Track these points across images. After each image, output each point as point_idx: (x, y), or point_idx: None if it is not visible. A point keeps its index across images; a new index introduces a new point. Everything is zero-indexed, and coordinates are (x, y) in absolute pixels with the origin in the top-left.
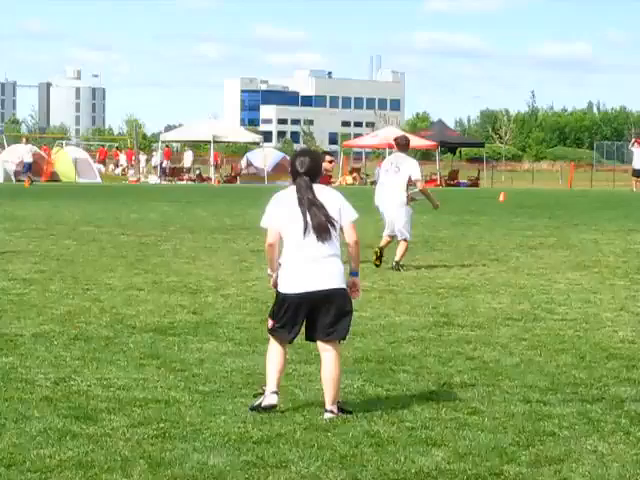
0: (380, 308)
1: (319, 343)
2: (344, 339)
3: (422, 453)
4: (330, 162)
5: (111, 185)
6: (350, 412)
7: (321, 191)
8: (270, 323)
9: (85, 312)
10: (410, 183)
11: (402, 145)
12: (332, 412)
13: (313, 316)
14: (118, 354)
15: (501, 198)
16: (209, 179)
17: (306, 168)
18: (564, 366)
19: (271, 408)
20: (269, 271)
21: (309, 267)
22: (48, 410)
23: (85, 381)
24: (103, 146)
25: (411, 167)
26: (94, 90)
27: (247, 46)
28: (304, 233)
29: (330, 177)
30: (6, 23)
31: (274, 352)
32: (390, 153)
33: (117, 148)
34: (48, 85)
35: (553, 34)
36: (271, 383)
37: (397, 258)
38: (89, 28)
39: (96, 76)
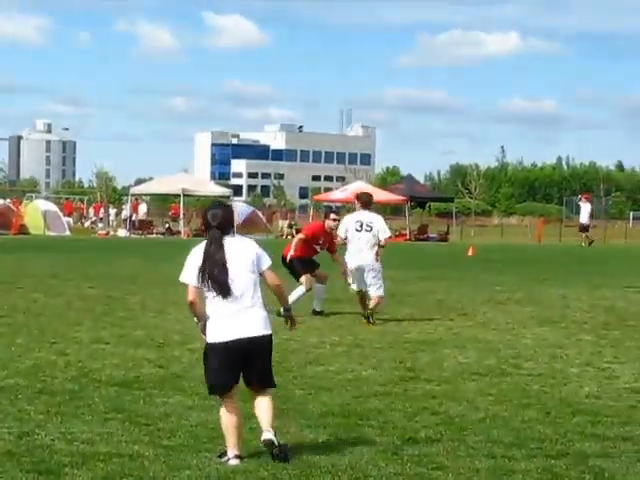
0: (347, 362)
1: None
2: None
3: None
4: (334, 220)
5: (80, 238)
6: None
7: (236, 243)
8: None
9: (51, 366)
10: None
11: (366, 202)
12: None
13: (246, 363)
14: (83, 408)
15: (470, 252)
16: (178, 232)
17: (218, 221)
18: (529, 421)
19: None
20: (196, 320)
21: (231, 318)
22: (10, 464)
23: (49, 435)
24: (68, 199)
25: (382, 226)
26: (64, 143)
27: (217, 100)
28: (222, 281)
29: (334, 235)
30: None
31: (226, 413)
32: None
33: (81, 201)
34: (19, 138)
35: (521, 90)
36: (232, 447)
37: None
38: (59, 82)
39: (66, 129)
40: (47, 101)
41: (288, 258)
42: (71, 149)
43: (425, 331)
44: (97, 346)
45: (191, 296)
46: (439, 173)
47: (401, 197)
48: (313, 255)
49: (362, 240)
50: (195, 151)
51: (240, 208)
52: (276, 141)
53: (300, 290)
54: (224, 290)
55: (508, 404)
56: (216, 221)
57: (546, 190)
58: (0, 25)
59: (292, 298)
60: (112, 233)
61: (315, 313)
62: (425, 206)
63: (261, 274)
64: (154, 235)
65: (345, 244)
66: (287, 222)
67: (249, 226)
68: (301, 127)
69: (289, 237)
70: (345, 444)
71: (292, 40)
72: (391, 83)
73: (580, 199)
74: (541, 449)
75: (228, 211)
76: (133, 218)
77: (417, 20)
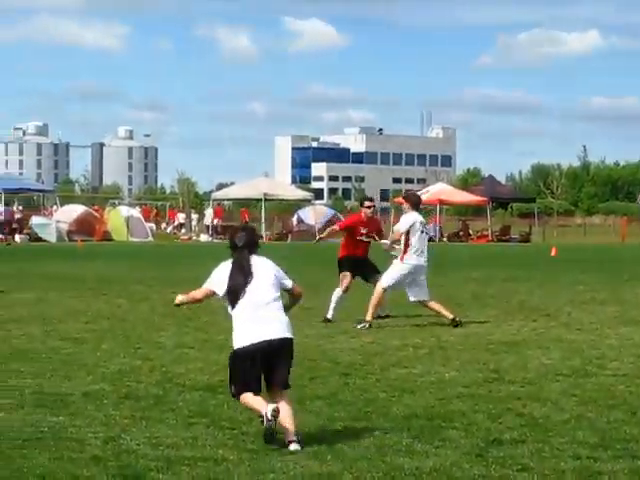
0: (430, 365)
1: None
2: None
3: None
4: (369, 207)
5: (163, 244)
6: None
7: (260, 261)
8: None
9: (135, 371)
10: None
11: (417, 204)
12: (298, 441)
13: (270, 366)
14: (167, 413)
15: (553, 253)
16: (260, 237)
17: (244, 242)
18: (615, 422)
19: (276, 415)
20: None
21: (260, 321)
22: (97, 469)
23: (134, 440)
24: (145, 205)
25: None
26: (146, 149)
27: (297, 104)
28: (247, 294)
29: (372, 219)
30: (58, 84)
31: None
32: (437, 209)
33: (161, 206)
34: (101, 145)
35: (602, 88)
36: (262, 407)
37: (450, 315)
38: (140, 88)
39: (148, 135)
40: (128, 108)
41: (339, 257)
42: (153, 155)
43: (508, 332)
44: (181, 351)
45: (202, 296)
46: (520, 173)
47: (482, 198)
48: (362, 252)
49: (424, 241)
50: (275, 155)
51: (322, 211)
52: (356, 144)
53: (336, 293)
54: (246, 302)
55: (593, 405)
56: (242, 242)
57: (629, 189)
58: (82, 34)
59: (332, 304)
60: (194, 238)
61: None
62: (507, 207)
63: (288, 290)
64: None
65: (400, 243)
66: None
67: None
68: (381, 130)
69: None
70: (429, 446)
71: (371, 42)
72: (471, 84)
73: None
74: (627, 450)
75: (252, 233)
76: (215, 223)
77: (497, 20)
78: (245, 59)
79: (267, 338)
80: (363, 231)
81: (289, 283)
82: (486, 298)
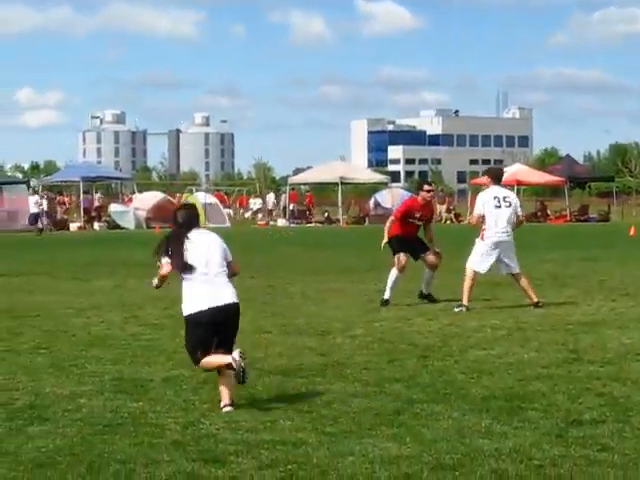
0: (508, 346)
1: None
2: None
3: None
4: (428, 191)
5: (240, 229)
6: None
7: (205, 235)
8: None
9: None
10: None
11: (498, 177)
12: (232, 404)
13: (220, 330)
14: (246, 397)
15: (632, 232)
16: (337, 221)
17: (184, 220)
18: None
19: (244, 355)
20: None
21: (212, 288)
22: (177, 454)
23: (214, 424)
24: (219, 190)
25: (518, 201)
26: (222, 136)
27: (372, 87)
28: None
29: (428, 204)
30: (134, 72)
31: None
32: (516, 190)
33: (247, 193)
34: (178, 132)
35: None
36: (225, 358)
37: (535, 299)
38: (216, 75)
39: (224, 122)
40: (205, 94)
41: (387, 239)
42: (229, 141)
43: (587, 312)
44: (259, 335)
45: (166, 272)
46: (598, 153)
47: (560, 178)
48: (413, 232)
49: (504, 215)
50: (351, 139)
51: (399, 194)
52: (432, 126)
53: (392, 274)
54: (191, 269)
55: None
56: (182, 219)
57: None
58: (157, 21)
59: (388, 285)
60: (271, 223)
61: (422, 296)
62: (585, 186)
63: (228, 264)
64: (313, 224)
65: (482, 222)
66: (445, 207)
67: None
68: (457, 111)
69: (447, 222)
70: (508, 427)
71: (444, 23)
72: (546, 63)
73: None
74: None
75: (192, 211)
76: (291, 207)
77: None
78: (319, 43)
79: (219, 304)
80: (417, 215)
81: (231, 258)
82: (565, 278)
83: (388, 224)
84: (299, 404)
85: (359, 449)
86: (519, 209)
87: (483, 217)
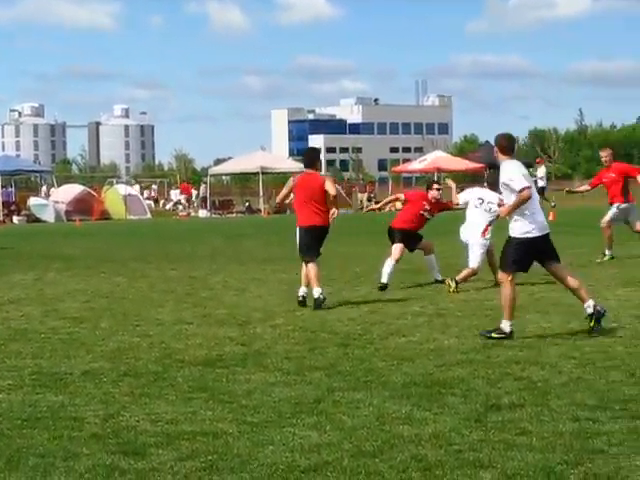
0: (429, 332)
1: None
2: None
3: (470, 476)
4: (438, 190)
5: (161, 221)
6: None
7: None
8: None
9: (134, 348)
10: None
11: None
12: None
13: None
14: (167, 388)
15: (551, 217)
16: (259, 211)
17: None
18: (613, 383)
19: None
20: None
21: None
22: (97, 447)
23: (134, 416)
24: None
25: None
26: (142, 127)
27: (291, 76)
28: None
29: (437, 202)
30: (53, 65)
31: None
32: (436, 177)
33: (168, 184)
34: (97, 124)
35: (595, 50)
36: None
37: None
38: (134, 66)
39: (144, 113)
40: (124, 86)
41: (391, 227)
42: (149, 133)
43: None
44: (180, 327)
45: None
46: (518, 139)
47: (480, 165)
48: (419, 227)
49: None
50: (272, 128)
51: None
52: (352, 115)
53: (388, 262)
54: None
55: (591, 367)
56: None
57: (627, 151)
58: (75, 13)
59: (386, 272)
60: (193, 214)
61: (437, 282)
62: None
63: None
64: (234, 215)
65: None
66: (366, 195)
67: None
68: (377, 100)
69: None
70: (428, 413)
71: (362, 12)
72: (465, 50)
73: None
74: (626, 410)
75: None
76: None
77: None
78: (237, 33)
79: None
80: (427, 208)
81: None
82: (485, 263)
83: (394, 196)
84: (220, 394)
85: (279, 438)
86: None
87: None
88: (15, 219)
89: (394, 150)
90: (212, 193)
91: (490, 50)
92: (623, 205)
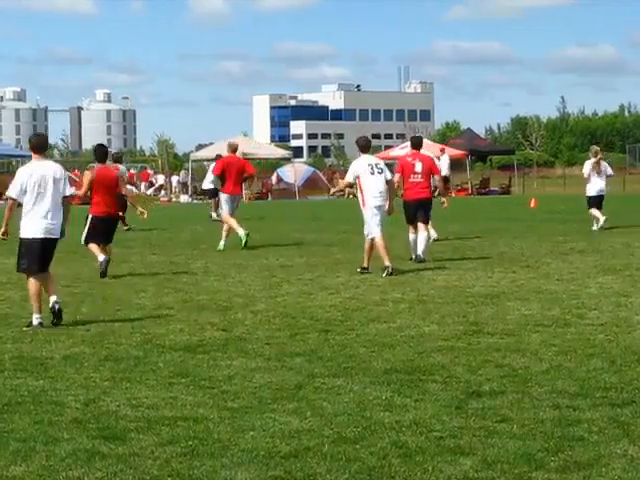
0: (410, 319)
1: None
2: None
3: (450, 462)
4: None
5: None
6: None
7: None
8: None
9: (115, 333)
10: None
11: (365, 147)
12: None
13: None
14: (147, 373)
15: (532, 204)
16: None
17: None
18: (594, 370)
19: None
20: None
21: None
22: (77, 431)
23: (114, 401)
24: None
25: (387, 168)
26: (124, 112)
27: (273, 62)
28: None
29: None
30: (35, 48)
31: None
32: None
33: (145, 169)
34: (79, 109)
35: (577, 37)
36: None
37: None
38: (116, 51)
39: (126, 98)
40: (106, 71)
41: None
42: (131, 118)
43: (488, 284)
44: (161, 312)
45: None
46: (499, 126)
47: (461, 151)
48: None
49: (377, 182)
50: (254, 114)
51: (301, 169)
52: (334, 101)
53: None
54: None
55: (572, 354)
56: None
57: (608, 139)
58: None
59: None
60: (174, 200)
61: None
62: (486, 159)
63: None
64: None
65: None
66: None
67: (311, 187)
68: (359, 86)
69: (351, 196)
70: (409, 400)
71: None
72: (447, 37)
73: None
74: (606, 398)
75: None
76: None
77: None
78: (218, 18)
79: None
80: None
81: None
82: (465, 250)
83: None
84: (200, 380)
85: (260, 424)
86: (388, 174)
87: (352, 185)
88: None
89: (376, 137)
90: (193, 179)
91: (472, 36)
92: None
